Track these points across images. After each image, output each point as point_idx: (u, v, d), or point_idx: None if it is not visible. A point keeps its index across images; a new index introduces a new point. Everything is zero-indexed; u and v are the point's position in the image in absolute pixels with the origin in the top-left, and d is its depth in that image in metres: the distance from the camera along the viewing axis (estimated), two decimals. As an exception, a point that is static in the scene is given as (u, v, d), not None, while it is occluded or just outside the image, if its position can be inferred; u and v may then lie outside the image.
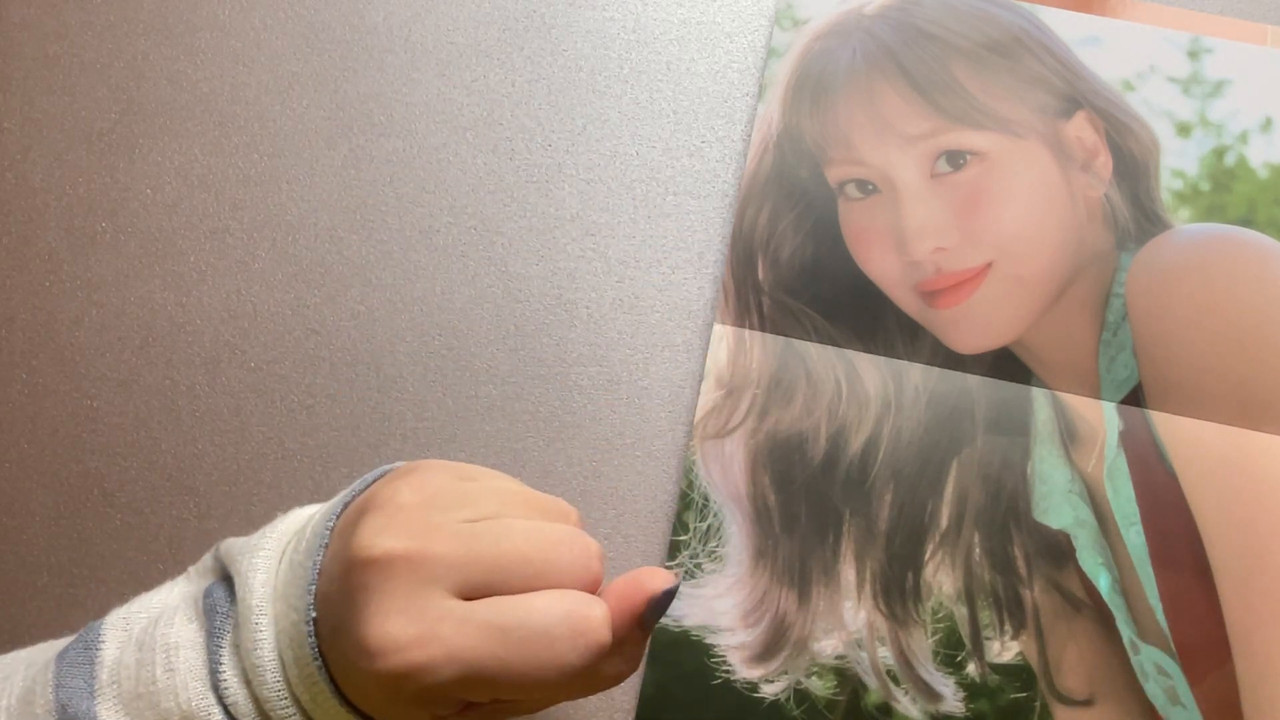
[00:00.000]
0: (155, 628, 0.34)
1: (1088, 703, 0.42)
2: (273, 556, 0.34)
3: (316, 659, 0.32)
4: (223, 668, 0.33)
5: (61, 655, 0.34)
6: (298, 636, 0.32)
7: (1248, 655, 0.42)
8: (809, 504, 0.43)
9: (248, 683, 0.33)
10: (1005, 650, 0.42)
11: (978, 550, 0.43)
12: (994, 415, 0.44)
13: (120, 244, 0.47)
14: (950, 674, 0.42)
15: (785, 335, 0.45)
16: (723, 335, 0.45)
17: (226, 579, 0.35)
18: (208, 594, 0.35)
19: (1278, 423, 0.43)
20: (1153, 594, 0.42)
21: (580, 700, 0.43)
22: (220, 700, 0.33)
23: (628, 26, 0.49)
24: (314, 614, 0.32)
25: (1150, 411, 0.43)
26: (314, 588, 0.32)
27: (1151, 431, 0.43)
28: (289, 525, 0.35)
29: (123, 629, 0.35)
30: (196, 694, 0.33)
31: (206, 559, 0.37)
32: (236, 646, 0.33)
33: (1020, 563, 0.43)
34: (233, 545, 0.35)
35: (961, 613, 0.42)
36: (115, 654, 0.34)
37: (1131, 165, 0.46)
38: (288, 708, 0.33)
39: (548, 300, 0.46)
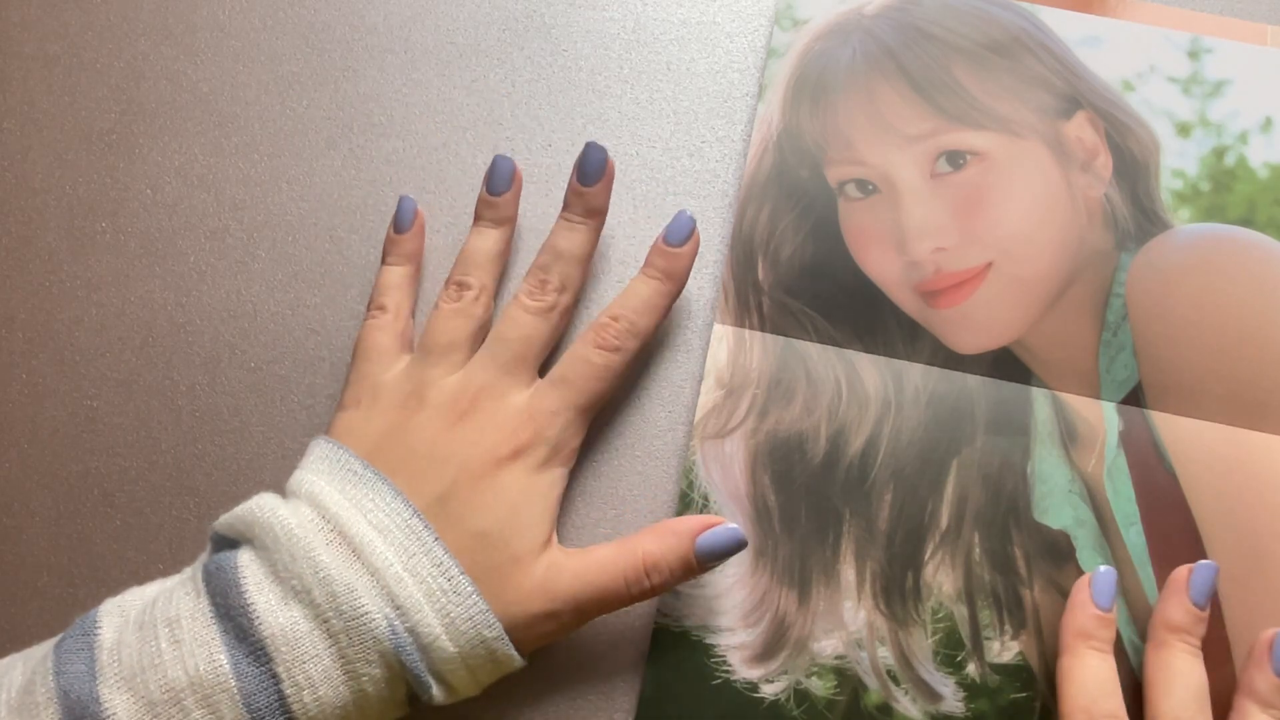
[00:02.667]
0: (153, 608, 0.34)
1: (1088, 703, 0.42)
2: (279, 499, 0.36)
3: (437, 540, 0.35)
4: (250, 599, 0.33)
5: (59, 644, 0.34)
6: (386, 511, 0.35)
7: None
8: (809, 504, 0.43)
9: (301, 599, 0.33)
10: (1005, 650, 0.42)
11: (978, 550, 0.43)
12: (994, 415, 0.44)
13: (120, 244, 0.47)
14: (950, 674, 0.42)
15: (785, 335, 0.45)
16: (723, 335, 0.45)
17: (223, 548, 0.36)
18: (206, 565, 0.35)
19: (1278, 423, 0.43)
20: (1153, 594, 0.42)
21: (579, 700, 0.43)
22: (243, 640, 0.33)
23: (628, 26, 0.49)
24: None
25: (1150, 411, 0.43)
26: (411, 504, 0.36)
27: (1151, 431, 0.43)
28: (271, 496, 0.37)
29: (119, 614, 0.35)
30: (204, 658, 0.33)
31: (201, 556, 0.37)
32: (276, 576, 0.34)
33: (1020, 563, 0.43)
34: (234, 511, 0.37)
35: (961, 613, 0.42)
36: (114, 636, 0.34)
37: (1131, 165, 0.46)
38: (362, 599, 0.33)
39: (548, 300, 0.46)
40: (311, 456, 0.38)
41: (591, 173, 0.41)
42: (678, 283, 0.42)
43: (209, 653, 0.33)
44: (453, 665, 0.34)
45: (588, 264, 0.43)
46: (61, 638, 0.35)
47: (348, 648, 0.33)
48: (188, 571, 0.37)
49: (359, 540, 0.34)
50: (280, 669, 0.33)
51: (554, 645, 0.43)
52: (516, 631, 0.36)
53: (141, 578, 0.44)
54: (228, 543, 0.37)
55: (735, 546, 0.38)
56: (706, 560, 0.38)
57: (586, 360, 0.40)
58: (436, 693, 0.35)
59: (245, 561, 0.34)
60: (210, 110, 0.48)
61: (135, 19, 0.49)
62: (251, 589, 0.33)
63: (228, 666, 0.33)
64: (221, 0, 0.49)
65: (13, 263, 0.47)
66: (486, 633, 0.35)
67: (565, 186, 0.47)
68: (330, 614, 0.33)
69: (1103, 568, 0.40)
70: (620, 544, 0.38)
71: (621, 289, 0.46)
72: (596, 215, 0.42)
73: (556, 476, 0.39)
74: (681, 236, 0.42)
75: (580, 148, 0.47)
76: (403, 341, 0.42)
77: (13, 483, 0.45)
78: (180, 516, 0.45)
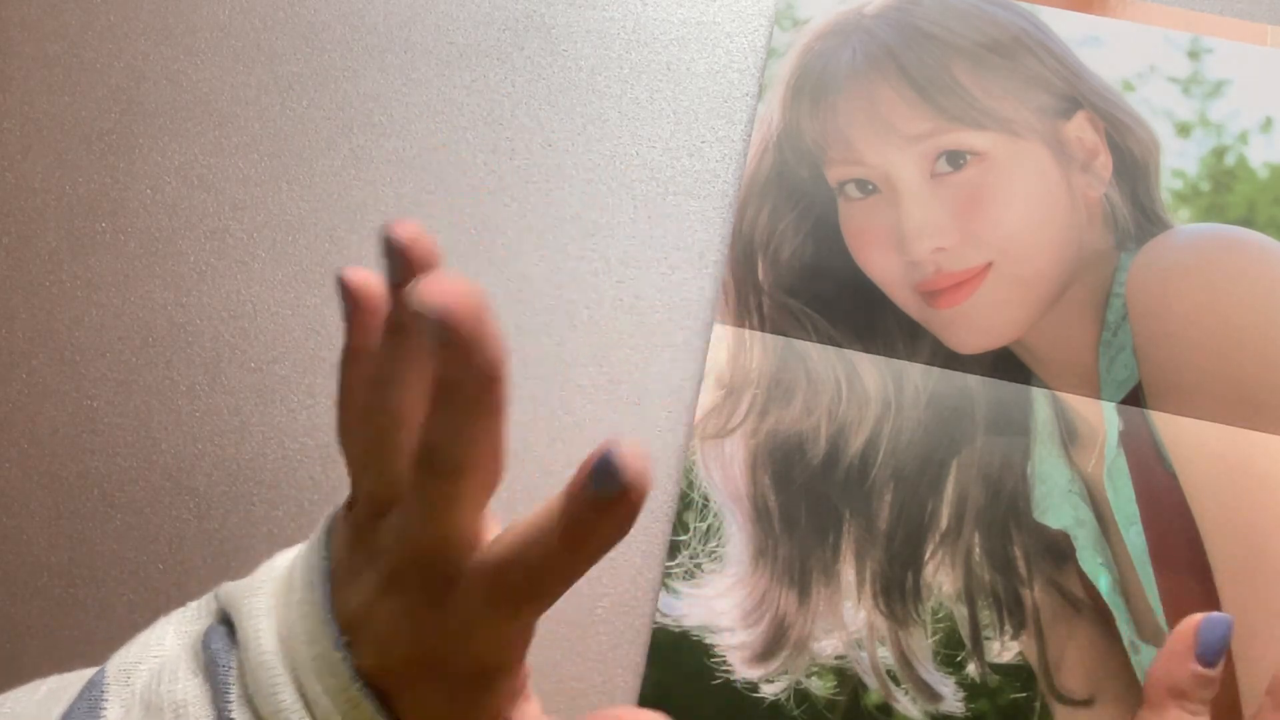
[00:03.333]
0: (159, 684, 0.33)
1: (1088, 703, 0.42)
2: (274, 595, 0.34)
3: (356, 681, 0.32)
4: (233, 715, 0.32)
5: (66, 715, 0.33)
6: (328, 668, 0.32)
7: (1247, 656, 0.42)
8: (809, 504, 0.43)
9: None
10: (1005, 650, 0.42)
11: (978, 550, 0.43)
12: (994, 415, 0.44)
13: (120, 244, 0.47)
14: (950, 674, 0.42)
15: (785, 335, 0.45)
16: (723, 335, 0.45)
17: (225, 622, 0.35)
18: (207, 643, 0.34)
19: (1278, 423, 0.43)
20: (1153, 594, 0.42)
21: (579, 700, 0.43)
22: None
23: (628, 26, 0.49)
24: (345, 639, 0.32)
25: (1150, 411, 0.43)
26: (333, 618, 0.32)
27: (1151, 431, 0.43)
28: (284, 561, 0.35)
29: (124, 684, 0.34)
30: None
31: (208, 597, 0.36)
32: (248, 698, 0.33)
33: (1020, 563, 0.43)
34: (232, 589, 0.35)
35: (961, 613, 0.42)
36: (120, 715, 0.33)
37: (1131, 165, 0.46)
38: None
39: (548, 300, 0.46)
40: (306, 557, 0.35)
41: (1217, 650, 0.33)
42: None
43: None
44: None
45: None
46: (69, 711, 0.34)
47: None
48: (193, 621, 0.36)
49: (311, 695, 0.33)
50: None
51: (553, 646, 0.43)
52: None
53: (141, 578, 0.44)
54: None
55: None
56: None
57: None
58: None
59: (236, 665, 0.33)
60: (210, 110, 0.48)
61: (135, 19, 0.49)
62: (235, 704, 0.33)
63: None
64: (221, 0, 0.49)
65: (13, 263, 0.47)
66: None
67: (565, 187, 0.47)
68: None
69: (1217, 614, 0.34)
70: None
71: (620, 292, 0.46)
72: None
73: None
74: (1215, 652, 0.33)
75: (580, 147, 0.47)
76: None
77: (13, 483, 0.45)
78: (180, 516, 0.45)
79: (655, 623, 0.43)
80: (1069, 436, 0.44)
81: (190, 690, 0.33)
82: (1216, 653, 0.33)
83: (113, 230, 0.47)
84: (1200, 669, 0.33)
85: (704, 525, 0.43)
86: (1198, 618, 0.34)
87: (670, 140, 0.47)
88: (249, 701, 0.33)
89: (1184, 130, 0.46)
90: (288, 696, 0.32)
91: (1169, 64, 0.47)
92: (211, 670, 0.33)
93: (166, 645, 0.35)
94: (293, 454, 0.45)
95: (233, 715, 0.32)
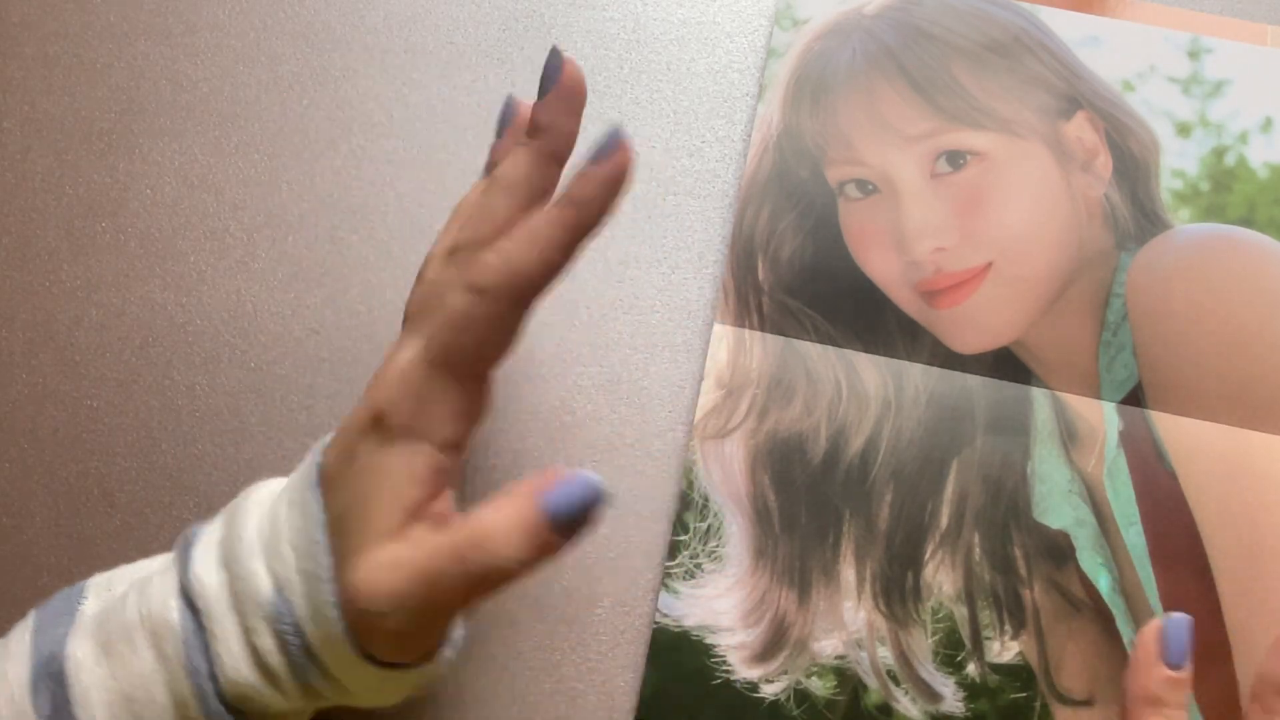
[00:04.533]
0: (137, 589, 0.35)
1: (1088, 703, 0.42)
2: (267, 497, 0.36)
3: (324, 511, 0.32)
4: (194, 562, 0.34)
5: (42, 608, 0.36)
6: (301, 511, 0.33)
7: (1248, 655, 0.42)
8: (809, 504, 0.43)
9: (225, 563, 0.34)
10: (1005, 650, 0.42)
11: (978, 550, 0.43)
12: (994, 415, 0.44)
13: (120, 244, 0.47)
14: (950, 674, 0.42)
15: (785, 335, 0.45)
16: (723, 335, 0.45)
17: None
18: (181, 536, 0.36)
19: (1278, 423, 0.43)
20: (1153, 594, 0.42)
21: (579, 700, 0.43)
22: (185, 595, 0.34)
23: (628, 26, 0.49)
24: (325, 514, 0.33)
25: (1150, 411, 0.43)
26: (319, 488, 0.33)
27: (1151, 431, 0.43)
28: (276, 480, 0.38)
29: (105, 588, 0.36)
30: (159, 602, 0.34)
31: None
32: (218, 541, 0.34)
33: (1020, 563, 0.43)
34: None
35: (961, 613, 0.42)
36: (98, 608, 0.35)
37: (1131, 165, 0.46)
38: (256, 563, 0.33)
39: (548, 300, 0.46)
40: None
41: (1182, 651, 0.33)
42: (582, 211, 0.32)
43: (164, 598, 0.34)
44: (325, 656, 0.32)
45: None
46: (46, 602, 0.36)
47: (246, 615, 0.33)
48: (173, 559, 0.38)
49: (276, 515, 0.34)
50: (203, 619, 0.33)
51: (553, 646, 0.43)
52: (362, 629, 0.32)
53: (141, 578, 0.44)
54: None
55: (590, 501, 0.29)
56: (562, 525, 0.29)
57: (442, 299, 0.31)
58: (319, 683, 0.33)
59: (210, 529, 0.35)
60: (210, 110, 0.48)
61: (135, 19, 0.49)
62: (199, 550, 0.34)
63: (176, 611, 0.33)
64: (221, 0, 0.49)
65: (13, 263, 0.47)
66: (331, 628, 0.31)
67: (565, 186, 0.47)
68: (235, 577, 0.33)
69: (1175, 615, 0.34)
70: (456, 521, 0.31)
71: (620, 292, 0.46)
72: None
73: (412, 455, 0.31)
74: (604, 152, 0.32)
75: (580, 146, 0.47)
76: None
77: (13, 483, 0.45)
78: (180, 516, 0.45)
79: (655, 623, 0.43)
80: (1069, 436, 0.44)
81: (158, 563, 0.35)
82: (1182, 654, 0.33)
83: (113, 230, 0.47)
84: (1170, 674, 0.33)
85: (704, 525, 0.43)
86: (1157, 623, 0.34)
87: (670, 140, 0.47)
88: (219, 545, 0.34)
89: (1184, 130, 0.46)
90: (253, 527, 0.34)
91: (1169, 64, 0.47)
92: (181, 545, 0.35)
93: (152, 567, 0.37)
94: (293, 454, 0.45)
95: (192, 554, 0.34)
